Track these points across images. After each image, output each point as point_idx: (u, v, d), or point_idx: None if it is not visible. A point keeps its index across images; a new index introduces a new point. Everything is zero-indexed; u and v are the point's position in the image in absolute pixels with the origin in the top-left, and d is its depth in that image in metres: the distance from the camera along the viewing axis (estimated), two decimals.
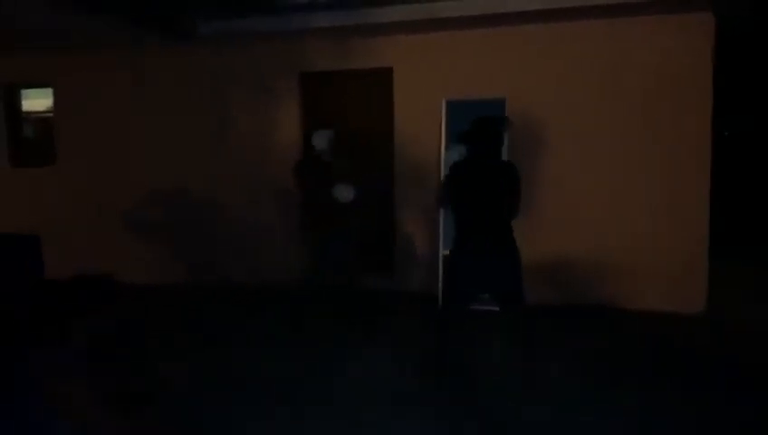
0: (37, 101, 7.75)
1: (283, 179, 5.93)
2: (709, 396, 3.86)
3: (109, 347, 4.75)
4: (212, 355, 4.69)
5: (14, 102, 7.79)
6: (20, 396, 3.74)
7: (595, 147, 5.77)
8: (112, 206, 7.24)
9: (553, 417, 3.57)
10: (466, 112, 5.69)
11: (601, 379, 4.15)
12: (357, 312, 5.25)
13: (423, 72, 6.14)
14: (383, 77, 6.33)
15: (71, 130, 7.40)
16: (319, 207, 4.88)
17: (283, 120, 6.65)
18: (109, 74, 7.14)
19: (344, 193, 4.81)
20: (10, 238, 5.11)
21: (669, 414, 3.61)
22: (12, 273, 4.83)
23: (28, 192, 7.57)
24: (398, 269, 6.47)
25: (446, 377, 4.18)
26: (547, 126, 5.84)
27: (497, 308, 4.25)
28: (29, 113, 7.85)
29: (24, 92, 7.79)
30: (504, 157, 4.55)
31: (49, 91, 7.53)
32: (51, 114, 7.59)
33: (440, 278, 5.75)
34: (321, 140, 4.96)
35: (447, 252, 5.70)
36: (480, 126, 4.11)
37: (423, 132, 6.13)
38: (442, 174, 5.78)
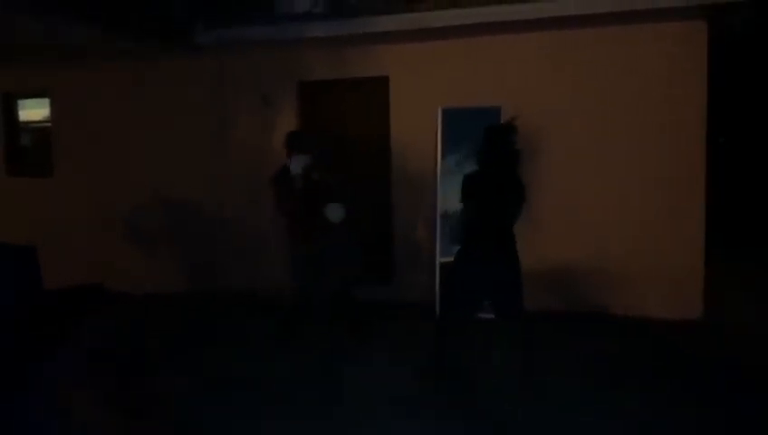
0: (34, 110, 7.76)
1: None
2: (708, 399, 3.89)
3: (107, 356, 4.75)
4: (210, 362, 4.68)
5: (12, 112, 7.80)
6: (21, 404, 3.75)
7: (591, 154, 5.80)
8: (110, 215, 7.24)
9: (553, 421, 3.58)
10: (462, 120, 5.77)
11: (601, 383, 4.17)
12: (355, 319, 5.25)
13: (419, 80, 6.18)
14: (380, 86, 6.36)
15: (68, 139, 7.41)
16: (308, 221, 4.85)
17: (281, 129, 6.65)
18: (107, 84, 7.16)
19: (335, 213, 4.76)
20: (7, 248, 5.10)
21: (669, 417, 3.63)
22: (9, 283, 4.82)
23: (25, 202, 7.56)
24: (396, 277, 6.48)
25: (445, 382, 4.20)
26: (544, 134, 5.86)
27: (494, 317, 4.25)
28: (26, 123, 7.86)
29: (22, 102, 7.80)
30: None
31: (46, 101, 7.54)
32: (48, 124, 7.60)
33: (437, 286, 5.76)
34: (296, 165, 4.88)
35: (445, 259, 5.76)
36: (491, 138, 4.18)
37: (419, 140, 6.15)
38: (438, 181, 5.81)
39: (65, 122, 7.42)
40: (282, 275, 6.43)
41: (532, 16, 5.47)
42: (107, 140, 7.24)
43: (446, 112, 5.82)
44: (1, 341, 4.43)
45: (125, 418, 3.49)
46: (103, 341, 5.09)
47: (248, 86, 6.69)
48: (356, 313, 5.19)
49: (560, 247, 5.91)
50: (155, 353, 4.90)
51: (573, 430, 3.50)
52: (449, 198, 5.79)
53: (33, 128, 7.83)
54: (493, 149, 4.20)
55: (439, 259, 5.78)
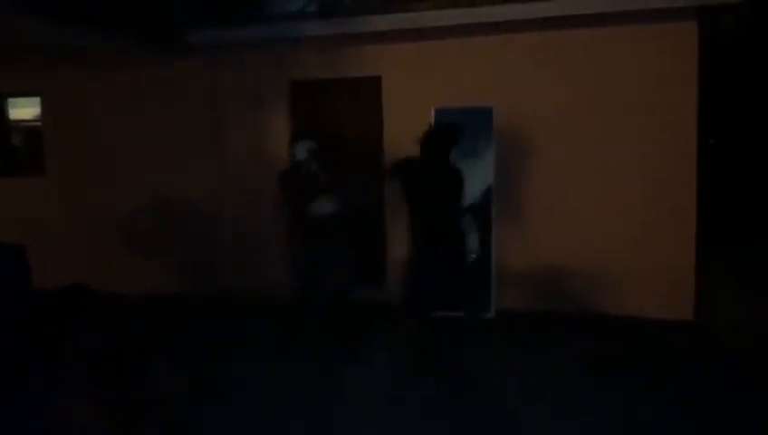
0: (25, 109, 7.71)
1: (273, 188, 5.92)
2: (701, 398, 3.91)
3: (101, 357, 4.71)
4: (205, 365, 4.66)
5: (2, 111, 7.74)
6: (17, 410, 3.72)
7: (583, 155, 5.83)
8: (102, 215, 7.20)
9: (547, 420, 3.58)
10: (455, 120, 5.76)
11: (594, 383, 4.17)
12: (349, 323, 5.24)
13: (412, 80, 6.18)
14: (372, 86, 6.36)
15: (59, 138, 7.36)
16: (305, 218, 4.82)
17: (273, 129, 6.66)
18: (97, 83, 7.12)
19: (323, 207, 4.69)
20: None
21: (662, 416, 3.64)
22: None
23: (16, 201, 7.51)
24: (388, 279, 6.47)
25: (435, 381, 4.21)
26: (535, 134, 5.89)
27: (462, 313, 4.42)
28: (17, 122, 7.81)
29: (12, 101, 7.75)
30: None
31: (37, 100, 7.50)
32: (39, 123, 7.55)
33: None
34: (301, 150, 4.85)
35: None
36: (435, 133, 4.49)
37: (412, 140, 6.13)
38: None
39: (56, 122, 7.38)
40: (282, 275, 6.44)
41: (525, 17, 5.49)
42: (99, 139, 7.20)
43: (439, 112, 5.83)
44: None
45: (113, 420, 3.46)
46: (91, 342, 5.05)
47: (241, 86, 6.67)
48: (350, 316, 5.17)
49: (552, 248, 5.92)
50: (143, 355, 4.87)
51: (567, 430, 3.49)
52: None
53: (23, 127, 7.77)
54: (431, 148, 4.44)
55: None
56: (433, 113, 5.82)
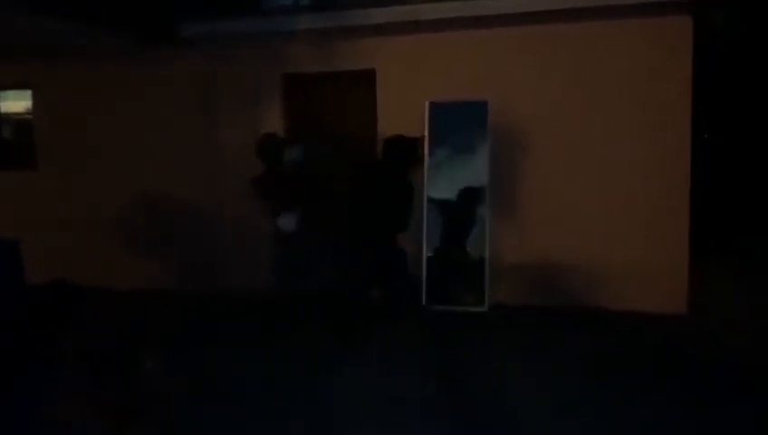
0: (16, 102, 7.65)
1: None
2: (694, 392, 3.93)
3: (96, 355, 4.69)
4: (203, 363, 4.63)
5: None
6: (13, 408, 3.71)
7: (577, 149, 5.82)
8: (93, 210, 7.17)
9: (543, 415, 3.60)
10: (450, 114, 5.78)
11: (590, 377, 4.19)
12: (343, 322, 5.27)
13: (406, 74, 6.15)
14: (366, 79, 6.34)
15: (51, 132, 7.31)
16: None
17: (266, 122, 6.63)
18: (90, 76, 7.06)
19: (287, 223, 4.88)
20: None
21: (652, 411, 3.66)
22: None
23: (7, 195, 7.46)
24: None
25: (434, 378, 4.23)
26: (530, 128, 5.88)
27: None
28: (7, 115, 7.75)
29: (3, 94, 7.69)
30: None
31: (28, 93, 7.44)
32: (30, 116, 7.49)
33: (424, 278, 5.77)
34: (298, 152, 5.04)
35: (431, 252, 5.79)
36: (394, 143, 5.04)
37: (407, 133, 6.13)
38: (426, 175, 5.82)
39: (48, 115, 7.32)
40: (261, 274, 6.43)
41: (521, 10, 5.48)
42: (92, 134, 7.15)
43: (433, 106, 5.82)
44: None
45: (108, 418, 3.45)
46: (81, 340, 5.03)
47: (234, 79, 6.64)
48: (345, 315, 5.19)
49: (546, 243, 5.92)
50: (134, 352, 4.85)
51: (563, 427, 3.51)
52: (437, 192, 5.82)
53: (14, 120, 7.71)
54: (395, 152, 5.00)
55: (426, 254, 5.80)
56: (427, 107, 5.81)
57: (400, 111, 6.16)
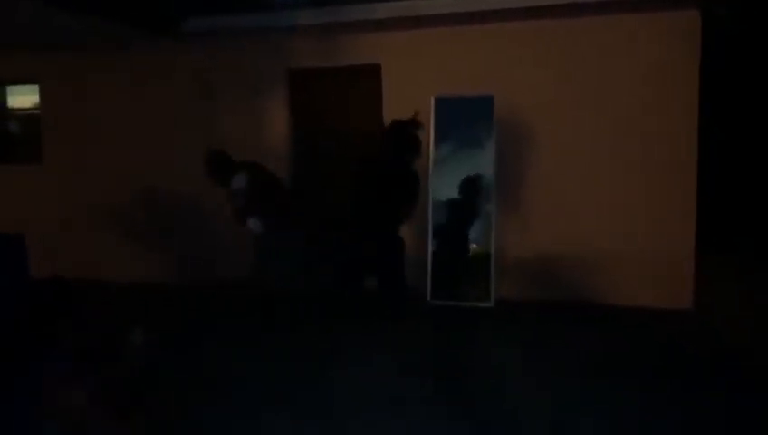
0: (24, 97, 7.67)
1: None
2: (698, 386, 3.90)
3: (96, 347, 4.69)
4: (204, 356, 4.65)
5: (1, 99, 7.71)
6: (16, 399, 3.71)
7: (583, 144, 5.80)
8: (98, 203, 7.19)
9: (543, 415, 3.58)
10: (455, 109, 5.76)
11: (594, 372, 4.17)
12: (344, 311, 5.28)
13: (411, 69, 6.14)
14: (371, 74, 6.32)
15: (57, 126, 7.34)
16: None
17: (272, 118, 6.63)
18: (96, 71, 7.09)
19: (254, 227, 5.21)
20: None
21: (653, 410, 3.64)
22: None
23: (14, 189, 7.49)
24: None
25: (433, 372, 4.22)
26: (535, 123, 5.86)
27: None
28: (15, 110, 7.77)
29: (10, 88, 7.72)
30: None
31: (35, 88, 7.46)
32: (37, 111, 7.51)
33: (429, 272, 5.76)
34: (240, 181, 5.19)
35: (435, 247, 5.77)
36: (395, 132, 5.12)
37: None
38: (431, 170, 5.80)
39: (55, 110, 7.34)
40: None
41: (526, 4, 5.46)
42: (96, 127, 7.17)
43: (438, 101, 5.79)
44: None
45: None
46: (83, 338, 5.03)
47: (239, 75, 6.63)
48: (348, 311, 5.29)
49: (551, 238, 5.91)
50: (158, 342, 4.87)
51: (564, 425, 3.49)
52: (443, 187, 5.80)
53: (22, 115, 7.74)
54: (396, 142, 5.02)
55: (431, 248, 5.78)
56: (433, 102, 5.79)
57: (406, 105, 6.11)
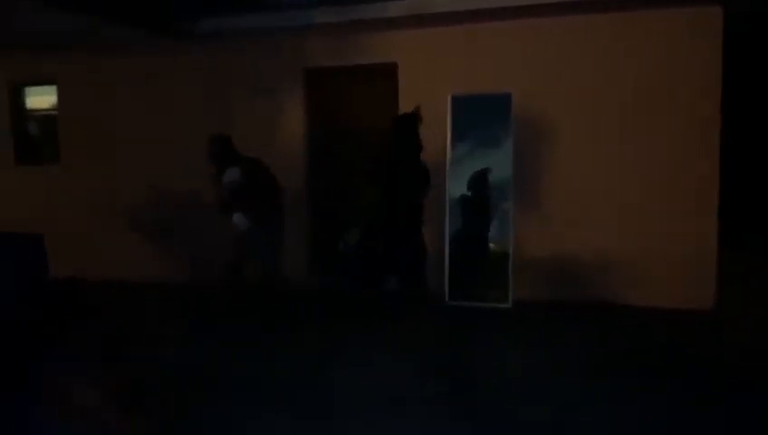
0: (42, 98, 7.74)
1: (287, 177, 5.90)
2: (714, 394, 3.83)
3: (107, 347, 4.71)
4: (209, 354, 4.65)
5: (19, 100, 7.79)
6: (28, 397, 3.72)
7: (603, 142, 5.73)
8: (115, 203, 7.23)
9: (555, 416, 3.54)
10: (472, 108, 5.71)
11: (608, 376, 4.11)
12: (359, 311, 5.29)
13: (428, 67, 6.10)
14: (388, 73, 6.29)
15: (74, 127, 7.39)
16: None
17: (288, 117, 6.62)
18: (113, 73, 7.13)
19: (239, 222, 5.23)
20: (14, 237, 5.08)
21: (673, 412, 3.58)
22: (16, 272, 4.80)
23: (33, 190, 7.56)
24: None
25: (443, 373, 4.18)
26: (554, 121, 5.79)
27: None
28: (33, 111, 7.85)
29: (29, 90, 7.79)
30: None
31: (53, 89, 7.53)
32: (55, 112, 7.58)
33: (446, 273, 5.72)
34: (234, 174, 5.19)
35: (451, 246, 5.73)
36: (399, 128, 5.14)
37: (429, 128, 6.07)
38: (448, 169, 5.76)
39: (72, 110, 7.40)
40: (291, 267, 6.45)
41: (544, 1, 5.40)
42: (113, 128, 7.22)
43: (455, 100, 5.75)
44: (7, 332, 4.40)
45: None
46: (114, 329, 5.07)
47: (254, 74, 6.63)
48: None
49: (570, 238, 5.84)
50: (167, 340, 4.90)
51: (576, 427, 3.44)
52: (460, 186, 5.76)
53: (40, 116, 7.81)
54: (401, 137, 5.06)
55: (448, 248, 5.75)
56: (450, 100, 5.75)
57: (423, 104, 6.09)
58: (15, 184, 7.62)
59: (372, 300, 5.32)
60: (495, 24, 5.87)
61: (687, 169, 5.55)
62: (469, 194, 5.75)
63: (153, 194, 7.05)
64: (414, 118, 5.16)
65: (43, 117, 7.78)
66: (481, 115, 5.71)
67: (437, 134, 5.79)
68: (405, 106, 6.21)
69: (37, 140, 7.86)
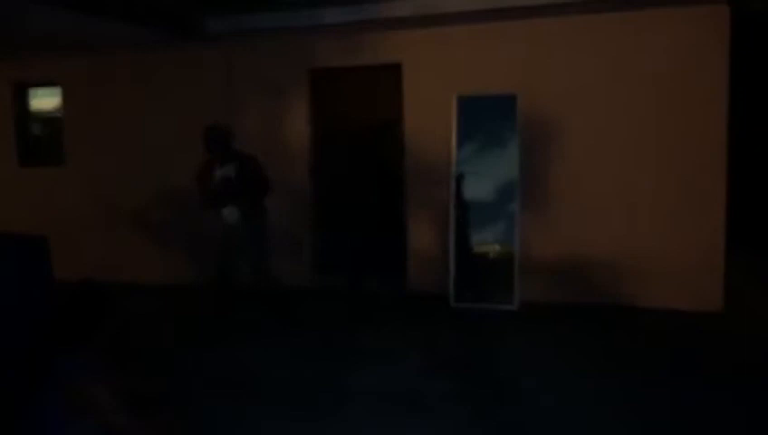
0: (46, 100, 7.74)
1: (292, 177, 5.88)
2: (722, 394, 3.80)
3: (119, 348, 4.70)
4: (220, 355, 4.64)
5: (23, 102, 7.79)
6: (41, 399, 3.69)
7: (610, 143, 5.68)
8: (120, 205, 7.22)
9: (567, 416, 3.50)
10: (478, 109, 5.69)
11: (619, 378, 4.08)
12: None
13: (433, 67, 6.06)
14: (392, 73, 6.26)
15: (79, 129, 7.38)
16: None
17: (292, 117, 6.60)
18: (117, 73, 7.12)
19: (229, 216, 5.17)
20: (18, 239, 5.05)
21: (682, 413, 3.54)
22: (20, 274, 4.77)
23: (36, 192, 7.55)
24: (408, 268, 6.38)
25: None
26: (560, 122, 5.75)
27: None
28: (38, 113, 7.84)
29: (33, 91, 7.79)
30: None
31: (58, 91, 7.52)
32: (59, 114, 7.57)
33: (452, 275, 5.69)
34: (229, 170, 5.18)
35: (456, 248, 5.70)
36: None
37: (434, 128, 6.05)
38: (453, 170, 5.73)
39: (76, 112, 7.39)
40: (292, 269, 6.43)
41: (551, 1, 5.36)
42: (118, 129, 7.21)
43: (461, 100, 5.72)
44: (13, 337, 4.37)
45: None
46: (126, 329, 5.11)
47: (259, 74, 6.62)
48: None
49: (576, 239, 5.79)
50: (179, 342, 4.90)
51: (588, 426, 3.41)
52: (466, 188, 5.73)
53: (44, 118, 7.81)
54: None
55: (453, 248, 5.71)
56: (455, 101, 5.72)
57: (428, 104, 6.08)
58: (19, 186, 7.62)
59: (380, 302, 5.31)
60: (500, 24, 5.83)
61: (696, 170, 5.50)
62: (481, 195, 5.73)
63: (160, 195, 7.03)
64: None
65: (47, 118, 7.77)
66: (487, 116, 5.68)
67: (443, 134, 5.77)
68: (409, 105, 6.19)
69: (41, 141, 7.85)
